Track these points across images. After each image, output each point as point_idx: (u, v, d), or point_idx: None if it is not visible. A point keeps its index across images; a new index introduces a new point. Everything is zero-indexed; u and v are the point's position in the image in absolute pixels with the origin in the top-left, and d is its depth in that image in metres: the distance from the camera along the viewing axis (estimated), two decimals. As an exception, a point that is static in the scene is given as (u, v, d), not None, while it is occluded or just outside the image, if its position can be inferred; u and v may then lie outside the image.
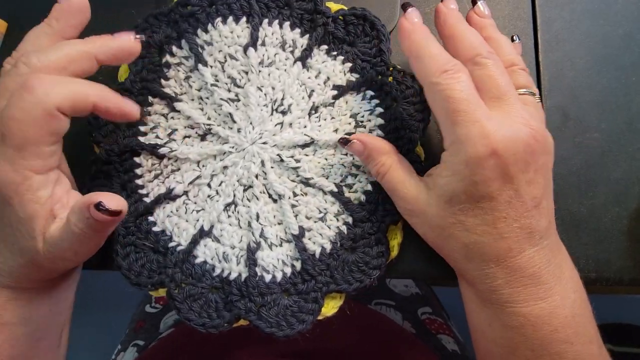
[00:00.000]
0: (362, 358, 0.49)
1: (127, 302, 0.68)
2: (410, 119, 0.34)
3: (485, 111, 0.28)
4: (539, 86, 0.38)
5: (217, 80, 0.36)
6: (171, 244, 0.35)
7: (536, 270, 0.29)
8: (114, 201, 0.26)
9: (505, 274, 0.29)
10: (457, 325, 0.64)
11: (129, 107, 0.31)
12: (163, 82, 0.36)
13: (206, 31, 0.36)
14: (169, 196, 0.35)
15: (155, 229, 0.35)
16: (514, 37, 0.36)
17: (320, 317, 0.34)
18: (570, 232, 0.37)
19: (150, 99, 0.36)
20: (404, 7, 0.31)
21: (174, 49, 0.36)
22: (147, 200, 0.35)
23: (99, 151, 0.36)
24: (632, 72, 0.38)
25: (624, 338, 0.92)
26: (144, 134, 0.36)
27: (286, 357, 0.47)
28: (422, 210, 0.30)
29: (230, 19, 0.35)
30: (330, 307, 0.34)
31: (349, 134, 0.35)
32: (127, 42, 0.30)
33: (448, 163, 0.29)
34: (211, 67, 0.36)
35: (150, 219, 0.35)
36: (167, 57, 0.36)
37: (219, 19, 0.35)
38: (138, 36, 0.30)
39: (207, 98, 0.36)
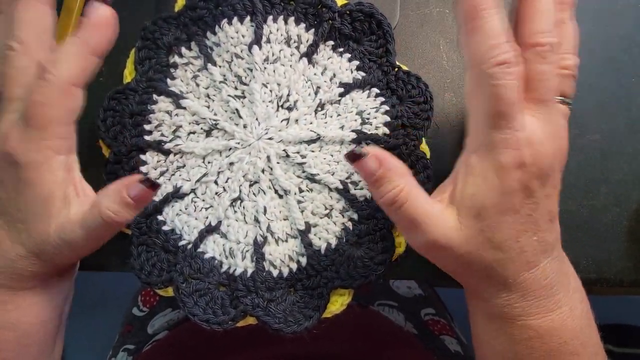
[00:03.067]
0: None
1: (124, 304, 0.67)
2: (415, 118, 0.35)
3: (524, 118, 0.26)
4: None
5: (225, 79, 0.36)
6: (181, 243, 0.35)
7: (549, 282, 0.28)
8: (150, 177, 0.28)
9: (521, 288, 0.28)
10: (460, 326, 0.64)
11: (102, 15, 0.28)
12: (169, 81, 0.37)
13: (214, 33, 0.36)
14: (176, 194, 0.35)
15: (165, 228, 0.35)
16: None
17: (328, 315, 0.34)
18: (570, 233, 0.37)
19: (155, 97, 0.36)
20: None
21: (183, 50, 0.37)
22: (156, 198, 0.36)
23: (108, 154, 0.36)
24: (633, 73, 0.39)
25: (624, 339, 0.92)
26: (149, 132, 0.36)
27: None
28: (451, 242, 0.27)
29: (235, 19, 0.36)
30: (339, 305, 0.34)
31: (355, 131, 0.35)
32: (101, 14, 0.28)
33: (476, 168, 0.27)
34: (220, 66, 0.36)
35: (160, 218, 0.36)
36: (175, 58, 0.37)
37: (224, 21, 0.36)
38: (101, 3, 0.28)
39: (215, 96, 0.36)
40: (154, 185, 0.29)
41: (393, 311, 0.57)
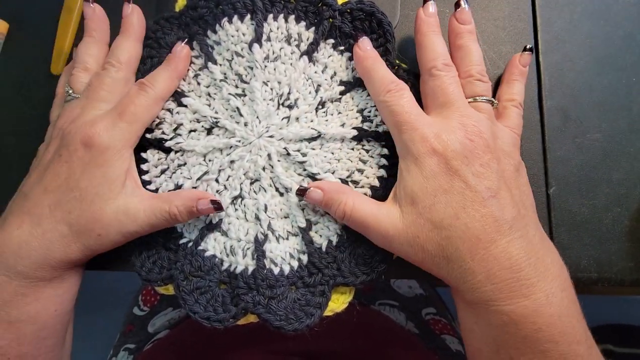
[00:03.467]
0: (360, 359, 0.49)
1: (125, 303, 0.68)
2: None
3: (425, 120, 0.32)
4: (539, 87, 0.39)
5: (225, 77, 0.36)
6: (182, 241, 0.35)
7: (514, 263, 0.29)
8: (219, 200, 0.34)
9: (482, 267, 0.29)
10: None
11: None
12: None
13: (215, 32, 0.36)
14: None
15: None
16: (527, 46, 0.37)
17: (329, 313, 0.34)
18: (571, 233, 0.37)
19: None
20: (357, 37, 0.35)
21: None
22: None
23: None
24: (633, 72, 0.39)
25: (625, 339, 0.92)
26: (150, 130, 0.36)
27: (286, 358, 0.47)
28: (397, 229, 0.31)
29: (235, 17, 0.36)
30: (340, 303, 0.34)
31: (356, 128, 0.35)
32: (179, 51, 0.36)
33: (402, 169, 0.32)
34: (220, 65, 0.36)
35: None
36: None
37: (224, 19, 0.36)
38: (182, 44, 0.36)
39: (215, 94, 0.37)
40: (218, 208, 0.33)
41: (394, 311, 0.57)
